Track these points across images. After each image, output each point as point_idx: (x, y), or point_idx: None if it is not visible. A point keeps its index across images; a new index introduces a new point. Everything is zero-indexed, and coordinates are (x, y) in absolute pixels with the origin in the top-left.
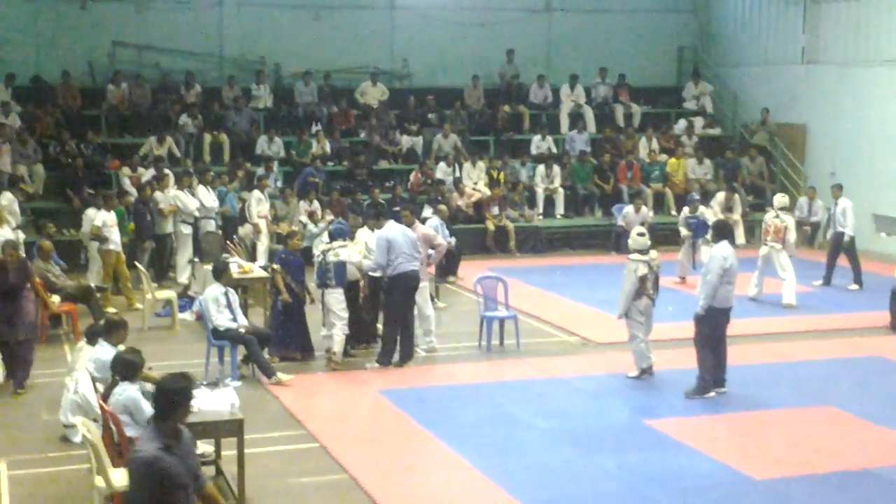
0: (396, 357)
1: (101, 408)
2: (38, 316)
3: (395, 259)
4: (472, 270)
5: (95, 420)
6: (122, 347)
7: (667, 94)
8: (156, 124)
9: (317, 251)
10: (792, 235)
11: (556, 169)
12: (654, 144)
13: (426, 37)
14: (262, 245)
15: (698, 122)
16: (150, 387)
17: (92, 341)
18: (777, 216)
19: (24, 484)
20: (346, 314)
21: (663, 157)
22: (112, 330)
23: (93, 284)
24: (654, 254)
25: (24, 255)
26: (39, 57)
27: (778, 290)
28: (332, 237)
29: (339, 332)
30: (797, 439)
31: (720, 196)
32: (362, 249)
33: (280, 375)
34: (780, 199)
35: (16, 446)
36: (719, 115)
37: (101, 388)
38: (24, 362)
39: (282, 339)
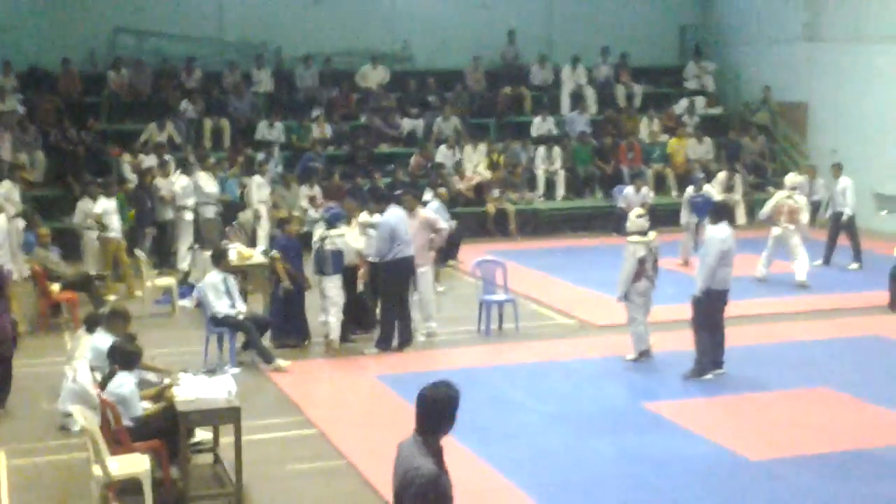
0: (395, 342)
1: (99, 397)
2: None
3: (396, 245)
4: (472, 254)
5: (94, 409)
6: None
7: (668, 73)
8: (156, 110)
9: (315, 237)
10: (805, 216)
11: (557, 150)
12: (656, 125)
13: (427, 18)
14: (263, 230)
15: (699, 101)
16: (152, 376)
17: (91, 329)
18: (790, 196)
19: (24, 472)
20: (341, 300)
21: (664, 137)
22: (113, 319)
23: (91, 272)
24: (652, 235)
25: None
26: (40, 44)
27: (781, 270)
28: (330, 224)
29: (334, 317)
30: (794, 420)
31: (721, 176)
32: (357, 234)
33: (279, 362)
34: (793, 178)
35: (15, 435)
36: (721, 94)
37: (98, 376)
38: (4, 379)
39: (280, 326)
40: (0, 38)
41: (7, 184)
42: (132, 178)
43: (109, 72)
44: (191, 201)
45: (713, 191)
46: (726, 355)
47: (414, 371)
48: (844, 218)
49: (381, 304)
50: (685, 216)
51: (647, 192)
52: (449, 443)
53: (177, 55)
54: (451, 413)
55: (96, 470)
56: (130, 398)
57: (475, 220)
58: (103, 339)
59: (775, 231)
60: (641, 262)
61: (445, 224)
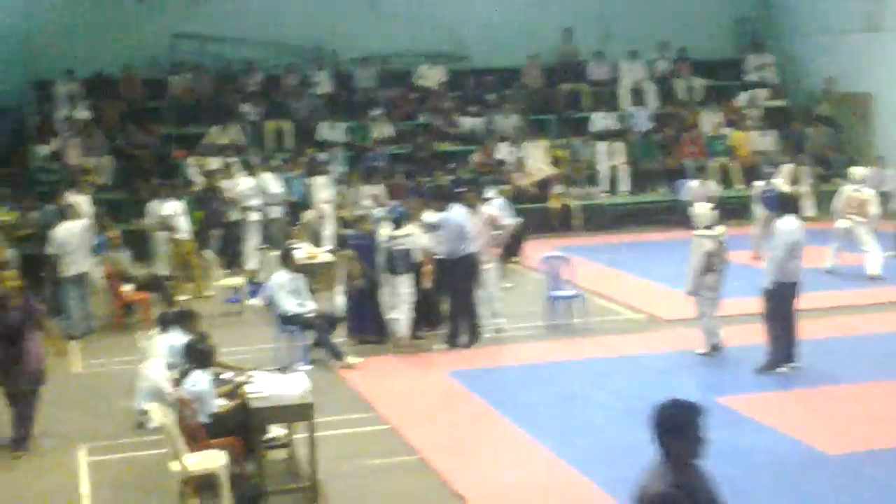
0: (464, 338)
1: (175, 395)
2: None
3: (462, 243)
4: (536, 250)
5: (169, 406)
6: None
7: (728, 66)
8: (218, 113)
9: (383, 237)
10: (873, 208)
11: (618, 145)
12: (718, 118)
13: (483, 17)
14: (328, 230)
15: (761, 93)
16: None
17: (164, 329)
18: (857, 189)
19: (103, 469)
20: (412, 298)
21: (727, 130)
22: (185, 318)
23: (162, 273)
24: (720, 229)
25: (25, 288)
26: (103, 51)
27: (853, 262)
28: (396, 224)
29: (404, 315)
30: (871, 414)
31: (786, 168)
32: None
33: (349, 359)
34: (859, 171)
35: (94, 433)
36: (783, 85)
37: (174, 374)
38: (23, 417)
39: (358, 323)
40: (64, 46)
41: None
42: (198, 181)
43: (171, 77)
44: (256, 202)
45: (783, 184)
46: (800, 348)
47: (483, 367)
48: None
49: (450, 302)
50: (758, 210)
51: (712, 186)
52: (521, 438)
53: (237, 59)
54: (676, 432)
55: (174, 466)
56: (206, 395)
57: (539, 216)
58: (178, 338)
59: (843, 223)
60: (710, 255)
61: (508, 220)
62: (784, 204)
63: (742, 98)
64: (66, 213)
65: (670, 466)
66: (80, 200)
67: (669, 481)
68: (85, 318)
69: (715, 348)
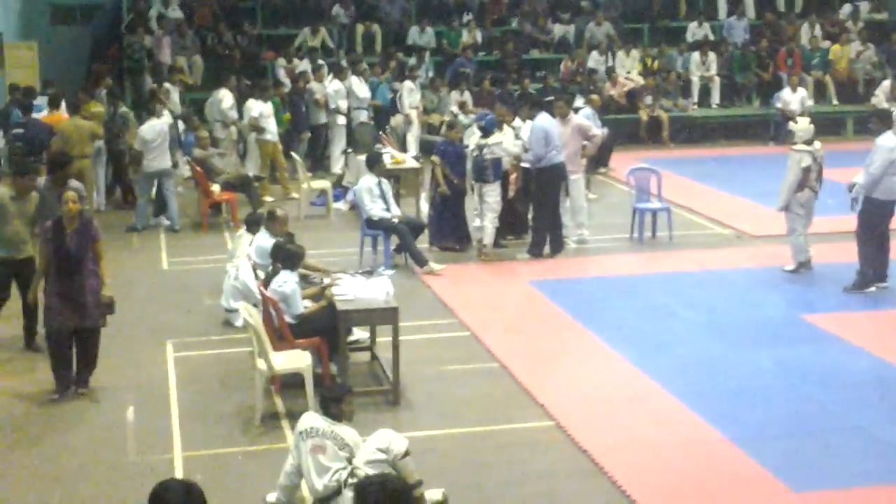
0: (547, 248)
1: (262, 294)
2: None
3: (549, 151)
4: (624, 161)
5: (255, 305)
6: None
7: None
8: (310, 15)
9: (471, 145)
10: None
11: (712, 56)
12: (817, 30)
13: None
14: (413, 135)
15: (864, 6)
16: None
17: (252, 229)
18: None
19: (190, 364)
20: (499, 207)
21: (826, 43)
22: (273, 220)
23: (251, 174)
24: (818, 144)
25: (87, 209)
26: None
27: None
28: (486, 132)
29: (490, 223)
30: None
31: (886, 84)
32: (511, 139)
33: (432, 265)
34: None
35: (180, 329)
36: None
37: (261, 274)
38: (89, 357)
39: (440, 230)
40: None
41: (167, 86)
42: (286, 83)
43: None
44: (344, 105)
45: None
46: (891, 268)
47: (565, 277)
48: None
49: (534, 211)
50: None
51: (804, 93)
52: (601, 349)
53: None
54: None
55: (260, 364)
56: (293, 296)
57: (627, 127)
58: (266, 239)
59: None
60: (806, 171)
61: (598, 131)
62: (882, 120)
63: (844, 10)
64: (152, 111)
65: None
66: (170, 96)
67: None
68: (170, 215)
69: (803, 265)
